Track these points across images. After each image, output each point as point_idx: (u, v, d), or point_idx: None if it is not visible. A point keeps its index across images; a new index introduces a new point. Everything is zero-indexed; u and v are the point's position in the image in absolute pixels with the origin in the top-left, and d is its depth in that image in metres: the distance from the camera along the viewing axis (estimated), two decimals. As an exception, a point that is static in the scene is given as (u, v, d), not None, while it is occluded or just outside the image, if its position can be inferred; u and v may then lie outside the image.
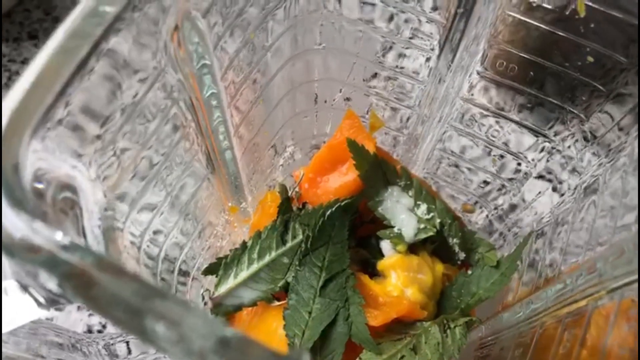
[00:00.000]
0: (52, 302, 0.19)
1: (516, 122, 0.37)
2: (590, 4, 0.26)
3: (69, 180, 0.20)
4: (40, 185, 0.18)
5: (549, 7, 0.28)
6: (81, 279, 0.16)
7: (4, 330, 0.21)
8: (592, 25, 0.27)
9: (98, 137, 0.21)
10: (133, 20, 0.21)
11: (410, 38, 0.37)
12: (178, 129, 0.27)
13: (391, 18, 0.36)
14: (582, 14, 0.27)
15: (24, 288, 0.20)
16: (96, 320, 0.49)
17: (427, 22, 0.35)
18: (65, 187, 0.20)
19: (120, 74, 0.22)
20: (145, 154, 0.25)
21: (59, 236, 0.16)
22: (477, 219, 0.44)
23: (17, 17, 0.63)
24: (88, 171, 0.21)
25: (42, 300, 0.19)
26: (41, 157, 0.18)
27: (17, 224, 0.16)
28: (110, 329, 0.49)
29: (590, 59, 0.29)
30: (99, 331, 0.50)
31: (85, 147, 0.21)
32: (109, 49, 0.20)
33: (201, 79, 0.26)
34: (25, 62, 0.61)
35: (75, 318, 0.50)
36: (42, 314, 0.21)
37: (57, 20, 0.63)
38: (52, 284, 0.17)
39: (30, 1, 0.64)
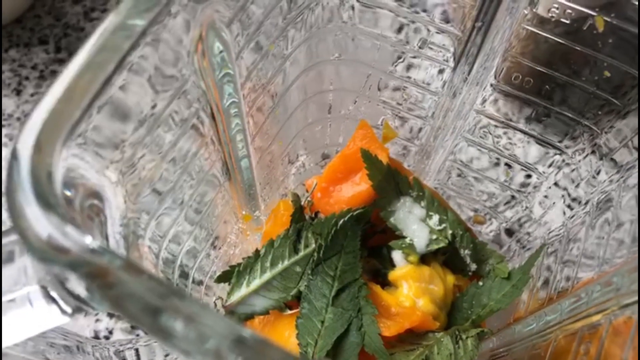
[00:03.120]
0: (77, 309, 0.20)
1: (529, 135, 0.38)
2: (608, 19, 0.27)
3: (95, 188, 0.20)
4: (69, 193, 0.18)
5: (566, 21, 0.28)
6: (105, 279, 0.16)
7: (23, 338, 0.21)
8: (610, 40, 0.27)
9: (123, 146, 0.22)
10: (160, 32, 0.21)
11: (424, 49, 0.37)
12: (198, 138, 0.27)
13: (404, 30, 0.37)
14: (601, 29, 0.27)
15: (49, 296, 0.20)
16: (103, 326, 0.49)
17: (440, 33, 0.35)
18: (92, 195, 0.20)
19: (145, 85, 0.22)
20: (166, 163, 0.26)
21: (88, 240, 0.17)
22: (487, 231, 0.44)
23: (27, 22, 0.63)
24: (112, 180, 0.21)
25: (67, 308, 0.19)
26: (70, 166, 0.18)
27: (49, 228, 0.16)
28: (118, 335, 0.49)
29: (607, 73, 0.29)
30: (106, 337, 0.50)
31: (110, 156, 0.21)
32: (135, 61, 0.20)
33: (222, 88, 0.27)
34: (35, 67, 0.61)
35: (82, 324, 0.50)
36: (64, 321, 0.21)
37: (67, 27, 0.63)
38: (80, 288, 0.18)
39: (42, 7, 0.64)
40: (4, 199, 0.17)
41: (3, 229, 0.20)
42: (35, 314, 0.21)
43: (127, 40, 0.19)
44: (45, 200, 0.16)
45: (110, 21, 0.20)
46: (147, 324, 0.16)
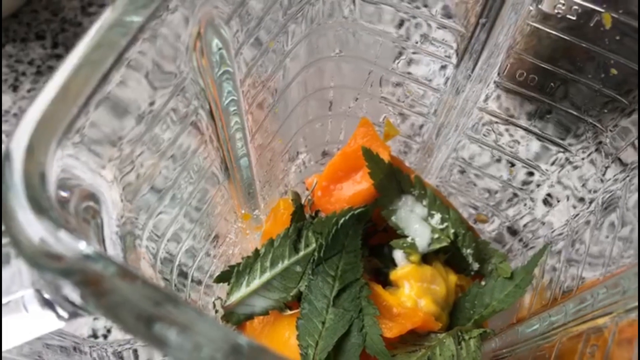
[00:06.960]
0: (74, 314, 0.19)
1: (532, 132, 0.37)
2: (615, 15, 0.26)
3: (91, 189, 0.19)
4: (64, 194, 0.18)
5: (573, 18, 0.28)
6: (99, 287, 0.16)
7: (19, 343, 0.21)
8: (617, 37, 0.27)
9: (120, 145, 0.21)
10: (157, 29, 0.20)
11: (426, 45, 0.36)
12: (197, 136, 0.27)
13: (406, 25, 0.36)
14: (608, 26, 0.26)
15: (45, 300, 0.19)
16: (101, 324, 0.49)
17: (442, 29, 0.35)
18: (88, 197, 0.19)
19: (142, 82, 0.21)
20: (164, 162, 0.25)
21: (82, 245, 0.16)
22: (489, 229, 0.43)
23: (24, 17, 0.62)
24: (109, 179, 0.21)
25: (63, 313, 0.19)
26: (65, 166, 0.18)
27: (41, 233, 0.16)
28: (116, 334, 0.49)
29: (613, 71, 0.28)
30: (104, 336, 0.49)
31: (107, 155, 0.21)
32: (132, 58, 0.20)
33: (221, 85, 0.26)
34: (32, 62, 0.60)
35: (80, 322, 0.49)
36: (61, 325, 0.20)
37: (64, 21, 0.63)
38: (75, 296, 0.17)
39: (39, 2, 0.64)
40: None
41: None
42: (30, 319, 0.20)
43: (123, 37, 0.19)
44: (38, 203, 0.16)
45: (106, 18, 0.19)
46: (141, 332, 0.15)
